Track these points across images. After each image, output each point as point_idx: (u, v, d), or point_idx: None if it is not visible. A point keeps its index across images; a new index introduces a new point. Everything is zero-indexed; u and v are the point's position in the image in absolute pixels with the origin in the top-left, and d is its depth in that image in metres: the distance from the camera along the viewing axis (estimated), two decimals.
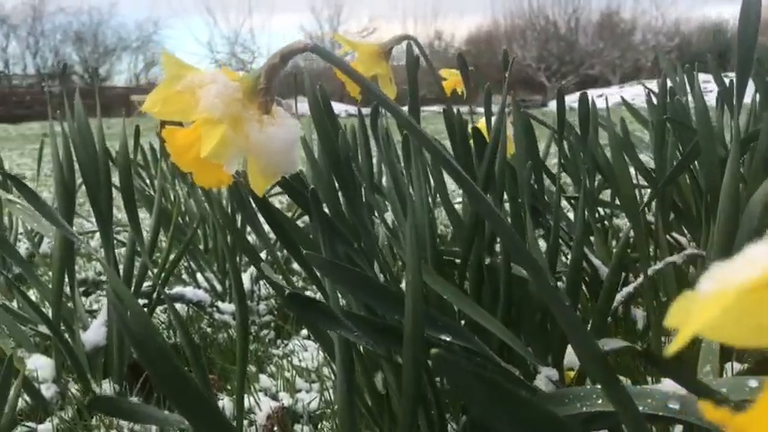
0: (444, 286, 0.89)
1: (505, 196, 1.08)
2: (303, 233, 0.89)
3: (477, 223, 0.93)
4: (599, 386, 0.67)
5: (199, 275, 1.95)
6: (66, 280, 1.30)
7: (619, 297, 1.18)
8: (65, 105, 1.24)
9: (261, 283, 1.93)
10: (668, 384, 0.66)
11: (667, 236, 1.55)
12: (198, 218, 2.02)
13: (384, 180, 1.49)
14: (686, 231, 1.66)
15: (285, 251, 1.90)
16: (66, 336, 1.26)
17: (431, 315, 0.70)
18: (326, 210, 0.89)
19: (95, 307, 1.88)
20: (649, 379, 1.20)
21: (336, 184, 0.99)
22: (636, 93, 12.35)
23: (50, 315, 1.24)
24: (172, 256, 1.58)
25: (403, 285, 1.27)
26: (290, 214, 2.28)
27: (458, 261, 1.14)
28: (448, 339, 0.69)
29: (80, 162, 1.22)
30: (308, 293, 1.92)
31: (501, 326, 0.88)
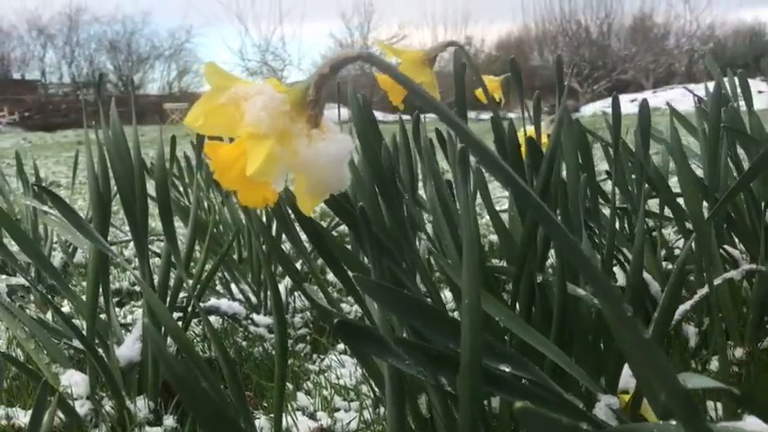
0: (497, 307, 0.84)
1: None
2: (342, 246, 0.85)
3: (530, 239, 0.88)
4: (673, 422, 0.61)
5: (233, 286, 1.92)
6: (101, 292, 1.28)
7: (676, 315, 1.12)
8: (100, 114, 1.21)
9: (296, 294, 1.89)
10: (752, 423, 0.60)
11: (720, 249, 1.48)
12: (233, 228, 2.00)
13: (422, 191, 1.45)
14: (740, 244, 1.58)
15: (320, 260, 1.86)
16: (101, 351, 1.23)
17: (488, 342, 0.65)
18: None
19: (129, 318, 1.86)
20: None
21: (379, 196, 0.94)
22: (670, 97, 12.13)
23: (85, 329, 1.21)
24: (207, 267, 1.56)
25: (444, 298, 1.21)
26: (324, 223, 2.24)
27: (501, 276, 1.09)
28: (507, 370, 0.64)
29: (115, 173, 1.19)
30: (343, 305, 1.88)
31: (558, 351, 0.83)
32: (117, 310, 2.00)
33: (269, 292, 1.75)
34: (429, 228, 1.39)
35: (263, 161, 0.53)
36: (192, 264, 1.86)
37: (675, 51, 24.26)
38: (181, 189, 2.23)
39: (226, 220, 2.08)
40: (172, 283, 1.39)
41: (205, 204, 2.18)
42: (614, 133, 0.96)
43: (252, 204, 0.60)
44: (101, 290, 1.24)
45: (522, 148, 1.18)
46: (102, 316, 1.35)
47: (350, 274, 0.86)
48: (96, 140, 1.22)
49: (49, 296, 1.71)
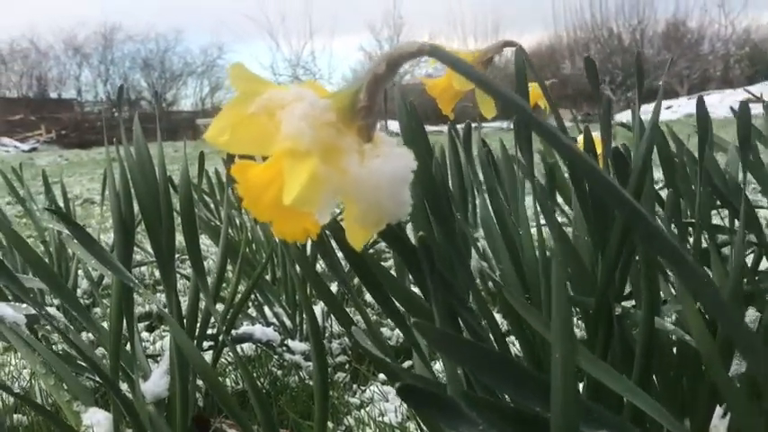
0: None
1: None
2: (386, 271, 0.73)
3: (614, 267, 0.75)
4: None
5: (266, 309, 1.81)
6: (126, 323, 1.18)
7: None
8: (121, 132, 1.11)
9: (333, 318, 1.78)
10: None
11: None
12: (266, 247, 1.89)
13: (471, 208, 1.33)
14: None
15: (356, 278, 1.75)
16: (126, 386, 1.13)
17: (581, 402, 0.52)
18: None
19: (158, 345, 1.77)
20: None
21: (431, 216, 0.83)
22: (708, 103, 11.72)
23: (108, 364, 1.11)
24: (240, 287, 1.45)
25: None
26: None
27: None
28: None
29: (138, 193, 1.09)
30: (383, 329, 1.76)
31: (644, 395, 0.70)
32: (146, 334, 1.90)
33: (305, 318, 1.64)
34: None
35: (304, 185, 0.42)
36: (223, 284, 1.76)
37: (710, 57, 23.73)
38: (212, 205, 2.13)
39: (258, 238, 1.98)
40: (202, 306, 1.29)
41: (237, 222, 2.08)
42: (701, 140, 0.83)
43: (290, 237, 0.49)
44: (125, 321, 1.14)
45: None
46: (128, 346, 1.25)
47: (394, 300, 0.75)
48: (119, 159, 1.12)
49: (71, 326, 1.62)
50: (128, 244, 1.11)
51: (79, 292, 2.25)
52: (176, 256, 1.79)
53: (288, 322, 1.76)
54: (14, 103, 22.60)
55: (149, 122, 1.17)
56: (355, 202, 0.45)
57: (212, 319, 1.56)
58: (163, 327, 2.00)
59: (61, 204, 2.25)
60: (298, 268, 1.21)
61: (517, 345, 1.12)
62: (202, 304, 1.30)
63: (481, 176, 0.95)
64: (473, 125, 1.06)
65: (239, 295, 1.39)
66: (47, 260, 2.16)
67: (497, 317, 1.39)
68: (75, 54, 24.70)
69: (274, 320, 1.78)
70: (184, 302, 2.00)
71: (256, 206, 0.48)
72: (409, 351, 1.49)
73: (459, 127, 1.07)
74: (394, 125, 0.95)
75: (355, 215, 0.45)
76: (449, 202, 0.86)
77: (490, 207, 0.95)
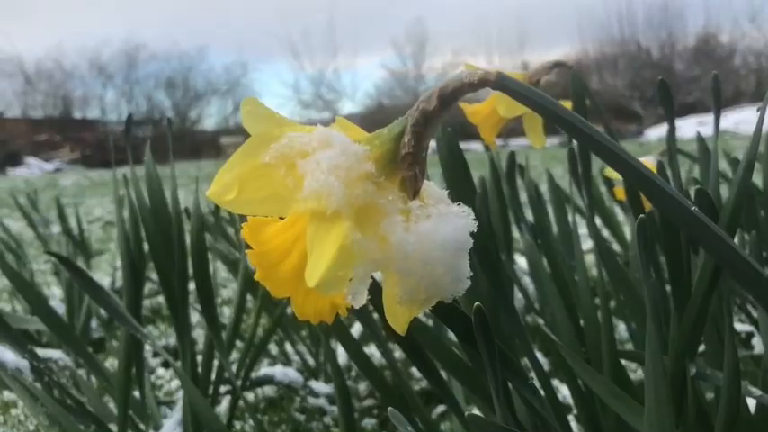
0: (635, 411, 0.61)
1: None
2: (433, 337, 0.63)
3: (698, 323, 0.64)
4: None
5: (287, 345, 1.71)
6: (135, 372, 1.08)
7: None
8: (129, 158, 1.02)
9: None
10: None
11: None
12: None
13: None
14: None
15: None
16: None
17: None
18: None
19: (174, 384, 1.67)
20: None
21: (474, 259, 0.72)
22: (740, 119, 11.46)
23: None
24: (261, 320, 1.35)
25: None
26: None
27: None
28: None
29: (148, 233, 0.99)
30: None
31: None
32: (161, 370, 1.81)
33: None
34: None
35: (332, 261, 0.32)
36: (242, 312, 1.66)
37: (743, 71, 23.32)
38: (231, 230, 2.04)
39: None
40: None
41: None
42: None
43: (314, 318, 0.39)
44: (135, 368, 1.05)
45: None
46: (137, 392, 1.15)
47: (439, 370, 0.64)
48: (127, 193, 1.03)
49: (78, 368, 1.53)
50: (137, 288, 1.02)
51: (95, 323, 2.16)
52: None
53: (310, 360, 1.65)
54: (40, 123, 22.85)
55: (174, 142, 1.07)
56: (399, 277, 0.35)
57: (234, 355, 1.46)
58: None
59: (76, 231, 2.18)
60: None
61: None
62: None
63: (530, 216, 0.85)
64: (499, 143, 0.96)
65: (257, 330, 1.29)
66: (60, 288, 2.08)
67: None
68: (99, 74, 24.99)
69: (296, 357, 1.67)
70: (199, 336, 1.90)
71: (272, 279, 0.38)
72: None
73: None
74: None
75: (399, 294, 0.35)
76: (493, 239, 0.75)
77: (536, 246, 0.85)
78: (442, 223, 0.35)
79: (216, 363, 1.14)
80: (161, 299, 2.38)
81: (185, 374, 1.01)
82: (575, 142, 0.91)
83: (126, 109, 24.33)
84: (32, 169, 17.13)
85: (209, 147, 19.20)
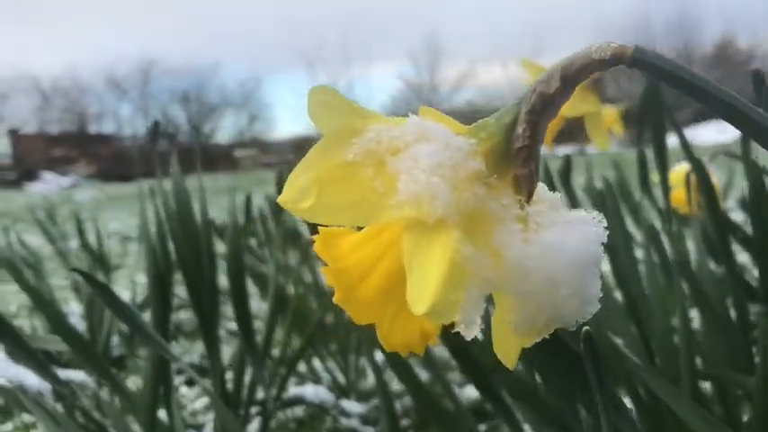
0: None
1: None
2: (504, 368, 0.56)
3: None
4: None
5: (316, 361, 1.64)
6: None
7: None
8: (157, 169, 0.96)
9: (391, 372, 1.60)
10: None
11: None
12: (312, 288, 1.72)
13: None
14: None
15: None
16: None
17: None
18: None
19: (199, 404, 1.60)
20: None
21: None
22: None
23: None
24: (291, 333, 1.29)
25: None
26: None
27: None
28: None
29: (177, 244, 0.93)
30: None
31: None
32: (184, 389, 1.75)
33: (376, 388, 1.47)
34: None
35: (443, 280, 0.25)
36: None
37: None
38: (254, 240, 1.98)
39: (303, 280, 1.81)
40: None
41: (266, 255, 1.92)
42: None
43: (403, 348, 0.32)
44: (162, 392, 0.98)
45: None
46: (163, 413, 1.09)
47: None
48: (154, 206, 0.97)
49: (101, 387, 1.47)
50: (164, 305, 0.96)
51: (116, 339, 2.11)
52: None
53: (340, 377, 1.58)
54: (56, 138, 22.98)
55: (187, 155, 1.02)
56: (516, 300, 0.28)
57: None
58: (206, 379, 1.84)
59: (95, 246, 2.13)
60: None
61: None
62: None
63: None
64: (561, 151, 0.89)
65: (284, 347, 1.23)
66: (79, 303, 2.03)
67: None
68: (114, 89, 25.13)
69: (325, 374, 1.60)
70: (225, 351, 1.84)
71: (353, 301, 0.31)
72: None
73: None
74: None
75: (514, 320, 0.29)
76: None
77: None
78: (570, 233, 0.28)
79: (245, 382, 1.07)
80: (182, 314, 2.32)
81: (216, 395, 0.94)
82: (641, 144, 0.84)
83: (141, 123, 24.46)
84: (49, 184, 17.22)
85: (224, 160, 19.23)
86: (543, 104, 0.29)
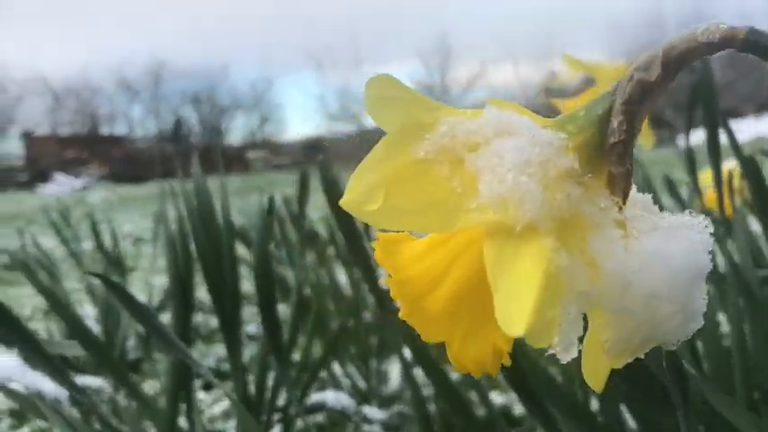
0: None
1: None
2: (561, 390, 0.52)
3: None
4: None
5: (336, 366, 1.61)
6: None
7: None
8: (178, 170, 0.94)
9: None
10: None
11: None
12: (329, 288, 1.68)
13: None
14: None
15: None
16: None
17: None
18: None
19: (218, 409, 1.57)
20: None
21: None
22: None
23: None
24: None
25: None
26: None
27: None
28: None
29: (198, 245, 0.90)
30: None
31: None
32: (202, 394, 1.72)
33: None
34: None
35: (539, 295, 0.22)
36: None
37: None
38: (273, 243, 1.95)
39: (323, 282, 1.78)
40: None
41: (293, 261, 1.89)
42: None
43: (475, 369, 0.29)
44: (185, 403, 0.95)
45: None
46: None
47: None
48: (174, 207, 0.94)
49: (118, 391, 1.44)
50: (186, 308, 0.93)
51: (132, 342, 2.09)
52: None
53: (361, 383, 1.55)
54: (68, 140, 23.11)
55: (201, 157, 0.99)
56: (614, 317, 0.25)
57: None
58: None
59: (109, 247, 2.10)
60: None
61: None
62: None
63: None
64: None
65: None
66: (93, 305, 2.01)
67: None
68: (125, 91, 25.24)
69: (345, 379, 1.57)
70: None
71: (420, 316, 0.28)
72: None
73: None
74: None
75: (610, 339, 0.25)
76: None
77: None
78: (673, 240, 0.25)
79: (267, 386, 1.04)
80: (199, 317, 2.30)
81: (238, 401, 0.91)
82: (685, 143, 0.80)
83: (152, 125, 24.58)
84: (61, 186, 17.30)
85: (236, 161, 19.25)
86: (642, 93, 0.26)
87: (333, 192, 0.71)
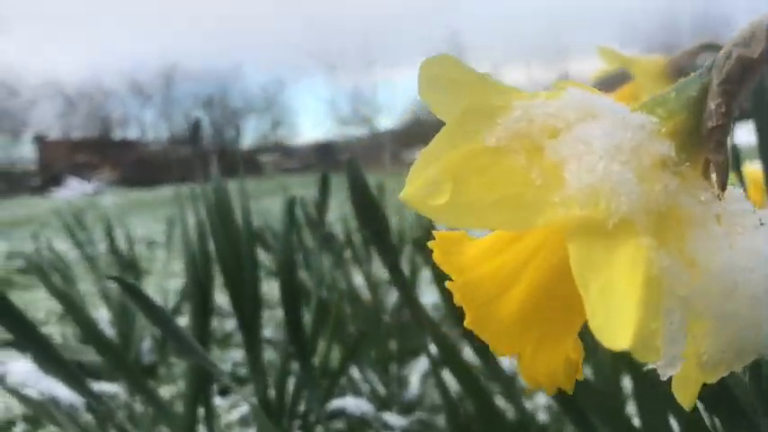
0: None
1: None
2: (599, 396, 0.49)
3: None
4: None
5: (355, 371, 1.58)
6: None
7: None
8: (194, 172, 0.91)
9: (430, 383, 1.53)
10: None
11: None
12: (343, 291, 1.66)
13: None
14: None
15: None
16: None
17: None
18: None
19: (236, 414, 1.55)
20: None
21: None
22: None
23: None
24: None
25: None
26: None
27: None
28: None
29: (219, 253, 0.88)
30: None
31: None
32: (218, 399, 1.69)
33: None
34: None
35: (642, 303, 0.18)
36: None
37: None
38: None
39: (340, 285, 1.75)
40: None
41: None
42: None
43: (548, 383, 0.26)
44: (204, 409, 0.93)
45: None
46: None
47: None
48: (193, 210, 0.92)
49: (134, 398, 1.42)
50: (205, 313, 0.90)
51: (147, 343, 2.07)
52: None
53: (380, 388, 1.52)
54: (80, 144, 23.17)
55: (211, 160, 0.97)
56: (714, 324, 0.22)
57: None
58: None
59: (124, 251, 2.09)
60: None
61: None
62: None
63: None
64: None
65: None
66: (107, 309, 1.99)
67: None
68: (137, 94, 25.32)
69: (365, 384, 1.54)
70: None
71: (490, 322, 0.25)
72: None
73: None
74: None
75: (708, 350, 0.22)
76: None
77: None
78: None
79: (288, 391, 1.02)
80: (214, 321, 2.27)
81: (259, 408, 0.89)
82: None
83: (164, 128, 24.65)
84: (73, 190, 17.37)
85: (248, 165, 19.29)
86: (743, 71, 0.22)
87: (360, 191, 0.69)
